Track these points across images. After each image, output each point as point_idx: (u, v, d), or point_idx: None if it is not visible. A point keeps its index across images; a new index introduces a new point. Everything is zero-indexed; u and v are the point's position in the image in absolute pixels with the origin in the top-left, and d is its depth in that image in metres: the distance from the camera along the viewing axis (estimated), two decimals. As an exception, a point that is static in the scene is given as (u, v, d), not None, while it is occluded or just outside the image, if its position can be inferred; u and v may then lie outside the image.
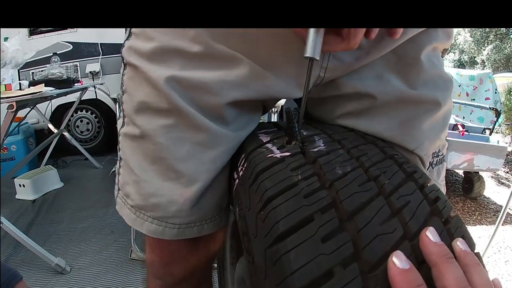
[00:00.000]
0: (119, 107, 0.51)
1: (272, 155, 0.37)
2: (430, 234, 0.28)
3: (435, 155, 0.52)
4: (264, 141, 0.42)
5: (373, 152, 0.40)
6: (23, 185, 2.43)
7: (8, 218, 1.63)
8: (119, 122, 0.50)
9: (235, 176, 0.44)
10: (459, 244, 0.29)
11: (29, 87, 1.82)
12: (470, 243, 0.31)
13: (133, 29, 0.45)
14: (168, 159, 0.43)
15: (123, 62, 0.47)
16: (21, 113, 1.94)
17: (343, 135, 0.43)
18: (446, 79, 0.49)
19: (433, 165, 0.53)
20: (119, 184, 0.51)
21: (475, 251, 0.31)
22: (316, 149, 0.38)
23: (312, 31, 0.32)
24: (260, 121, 0.51)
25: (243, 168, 0.40)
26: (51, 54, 3.19)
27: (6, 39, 1.62)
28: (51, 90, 1.86)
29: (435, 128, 0.50)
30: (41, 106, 2.89)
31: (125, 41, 0.47)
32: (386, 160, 0.38)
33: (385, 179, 0.34)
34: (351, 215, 0.29)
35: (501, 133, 5.21)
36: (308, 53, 0.33)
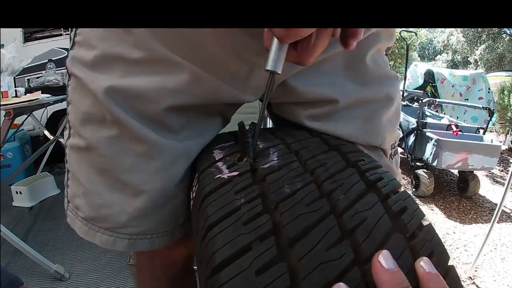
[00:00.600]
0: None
1: (220, 175, 0.35)
2: (383, 259, 0.25)
3: (393, 146, 0.55)
4: (217, 159, 0.39)
5: (333, 161, 0.37)
6: (20, 192, 2.41)
7: (6, 225, 1.62)
8: (65, 134, 0.48)
9: (191, 196, 0.43)
10: (423, 265, 0.26)
11: (25, 94, 1.83)
12: (441, 258, 0.28)
13: (76, 38, 0.44)
14: (114, 170, 0.43)
15: (68, 73, 0.46)
16: (17, 120, 1.93)
17: (303, 143, 0.41)
18: (392, 77, 0.52)
19: (392, 156, 0.55)
20: (68, 197, 0.50)
21: (450, 263, 0.28)
22: (267, 165, 0.35)
23: (275, 44, 0.32)
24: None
25: (195, 189, 0.39)
26: (47, 60, 3.18)
27: (2, 46, 1.62)
28: (47, 97, 1.86)
29: (392, 121, 0.53)
30: (37, 113, 2.88)
31: (69, 51, 0.45)
32: (347, 170, 0.36)
33: (340, 194, 0.31)
34: (293, 241, 0.27)
35: (495, 132, 5.26)
36: (269, 66, 0.32)
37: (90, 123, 0.43)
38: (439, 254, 0.28)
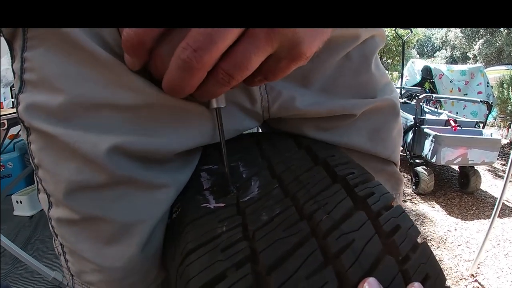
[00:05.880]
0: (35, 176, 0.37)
1: (206, 205, 0.34)
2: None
3: None
4: (204, 187, 0.37)
5: (317, 179, 0.34)
6: (20, 202, 2.43)
7: (6, 235, 1.64)
8: (42, 198, 0.37)
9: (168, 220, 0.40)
10: None
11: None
12: (437, 282, 0.26)
13: (26, 76, 0.31)
14: (135, 233, 0.33)
15: (24, 126, 0.33)
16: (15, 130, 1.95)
17: (288, 163, 0.38)
18: (390, 83, 0.49)
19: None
20: (71, 271, 0.38)
21: (446, 284, 0.26)
22: (247, 198, 0.33)
23: None
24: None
25: (177, 212, 0.36)
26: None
27: (-4, 58, 1.65)
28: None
29: (399, 133, 0.50)
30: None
31: (18, 95, 0.32)
32: (332, 187, 0.33)
33: (323, 215, 0.28)
34: (270, 269, 0.25)
35: (497, 126, 5.23)
36: (215, 105, 0.32)
37: (83, 192, 0.32)
38: (434, 277, 0.26)
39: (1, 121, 1.45)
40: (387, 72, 0.49)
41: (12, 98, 1.94)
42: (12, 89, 2.12)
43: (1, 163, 2.91)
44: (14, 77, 0.34)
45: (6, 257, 1.77)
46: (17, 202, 2.44)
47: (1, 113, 1.52)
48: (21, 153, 3.06)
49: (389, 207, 0.31)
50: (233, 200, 0.34)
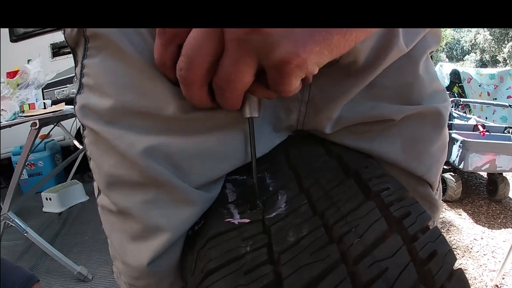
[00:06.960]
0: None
1: (230, 220, 0.32)
2: None
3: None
4: (229, 200, 0.36)
5: (349, 195, 0.31)
6: (50, 199, 2.56)
7: (35, 229, 1.73)
8: (94, 185, 0.40)
9: (189, 231, 0.39)
10: None
11: (51, 105, 1.95)
12: None
13: (85, 80, 0.36)
14: (154, 238, 0.34)
15: (80, 122, 0.38)
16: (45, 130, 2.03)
17: (317, 176, 0.35)
18: (442, 91, 0.44)
19: (437, 189, 0.46)
20: (111, 253, 0.42)
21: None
22: (273, 214, 0.31)
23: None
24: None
25: (199, 225, 0.35)
26: (73, 74, 3.34)
27: (28, 61, 1.75)
28: (71, 108, 1.97)
29: (442, 147, 0.44)
30: (67, 124, 3.01)
31: (76, 95, 0.37)
32: (365, 204, 0.30)
33: (354, 238, 0.26)
34: None
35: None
36: (247, 114, 0.32)
37: (119, 186, 0.35)
38: None
39: (32, 121, 1.53)
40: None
41: (43, 99, 2.04)
42: (44, 91, 2.24)
43: (32, 162, 3.06)
44: (75, 80, 0.38)
45: (33, 251, 1.87)
46: (46, 199, 2.57)
47: (33, 114, 1.61)
48: (51, 153, 3.22)
49: (425, 229, 0.28)
50: (258, 216, 0.32)
